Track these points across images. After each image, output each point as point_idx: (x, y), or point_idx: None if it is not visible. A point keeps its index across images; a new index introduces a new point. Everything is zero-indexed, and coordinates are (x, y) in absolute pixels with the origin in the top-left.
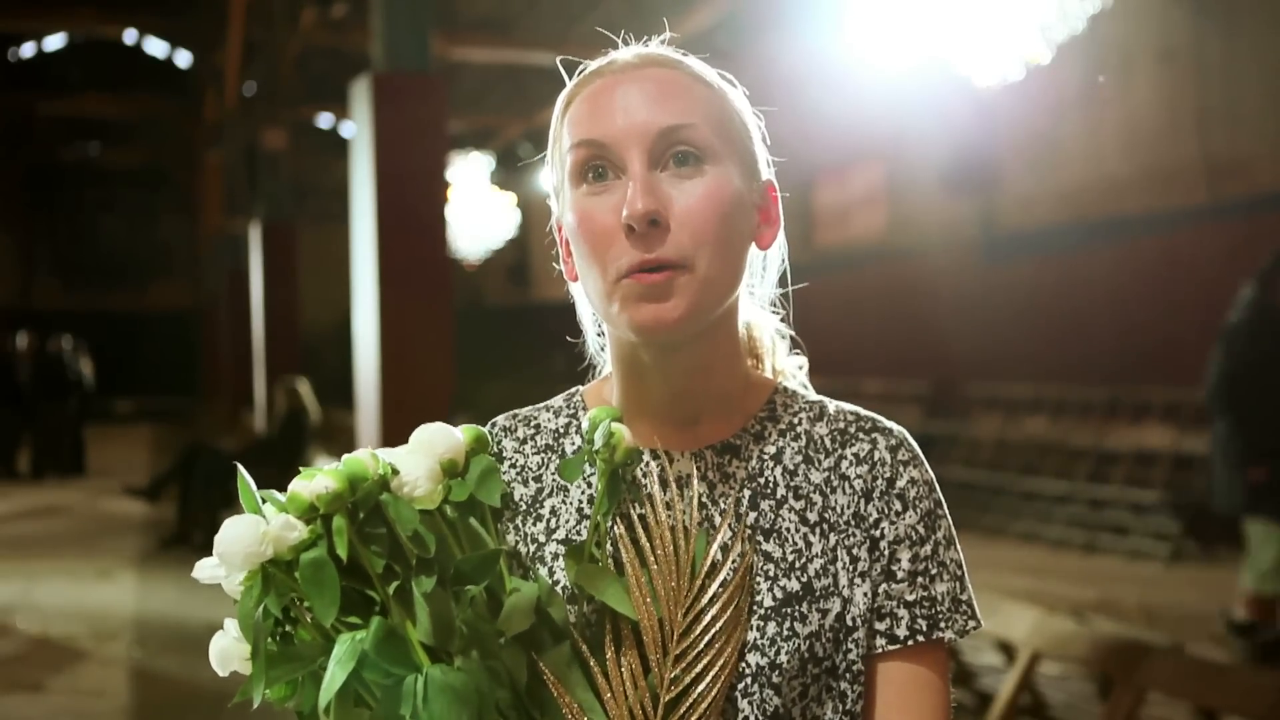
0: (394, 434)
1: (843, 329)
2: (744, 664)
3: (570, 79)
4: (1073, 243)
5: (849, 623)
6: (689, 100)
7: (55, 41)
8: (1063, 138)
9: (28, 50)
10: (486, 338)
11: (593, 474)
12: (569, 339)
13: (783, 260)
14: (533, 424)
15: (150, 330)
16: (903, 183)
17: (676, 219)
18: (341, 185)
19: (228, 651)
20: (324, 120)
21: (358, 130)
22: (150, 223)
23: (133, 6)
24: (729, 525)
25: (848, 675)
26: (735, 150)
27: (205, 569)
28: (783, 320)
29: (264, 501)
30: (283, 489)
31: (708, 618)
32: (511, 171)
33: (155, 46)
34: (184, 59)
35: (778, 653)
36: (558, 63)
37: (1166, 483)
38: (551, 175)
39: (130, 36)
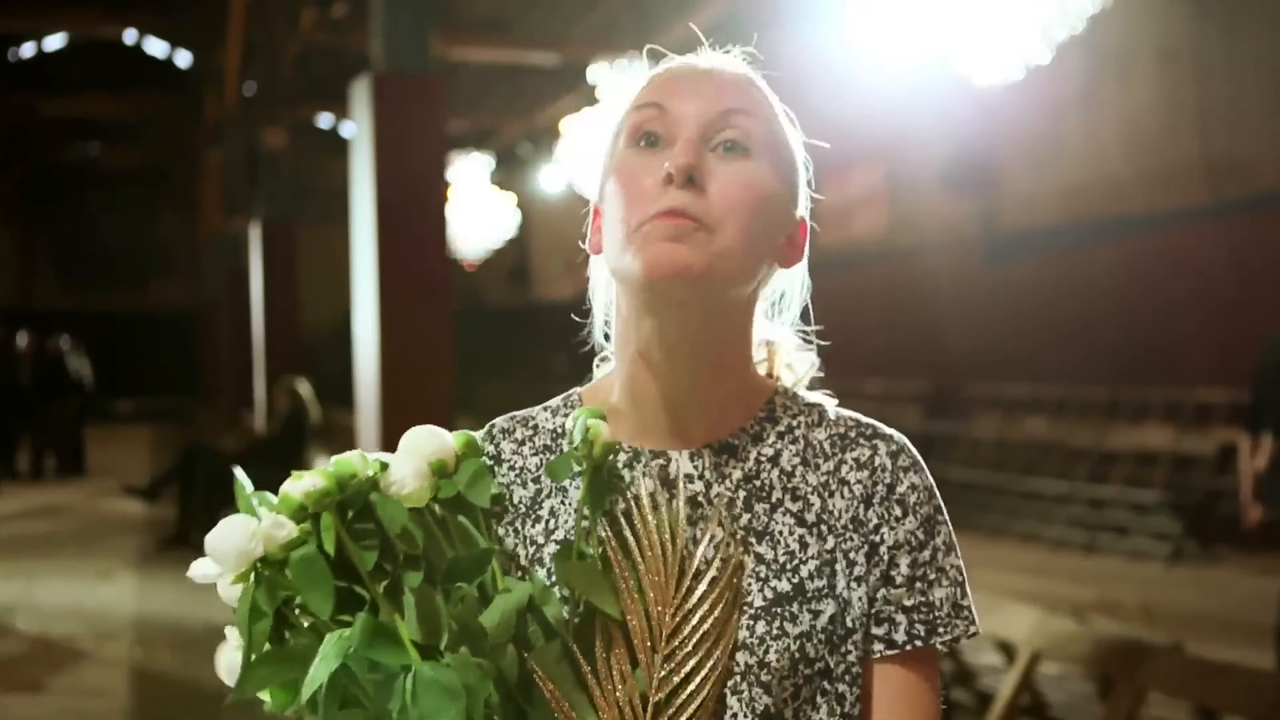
0: (394, 434)
1: (843, 329)
2: (733, 662)
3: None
4: (1073, 243)
5: (847, 624)
6: (754, 102)
7: (55, 41)
8: (1063, 138)
9: (28, 50)
10: (486, 338)
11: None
12: (574, 334)
13: (805, 294)
14: (530, 425)
15: (150, 330)
16: (903, 183)
17: (712, 190)
18: (341, 185)
19: (235, 664)
20: (324, 120)
21: (358, 130)
22: (150, 223)
23: (133, 6)
24: (720, 525)
25: (846, 678)
26: (781, 169)
27: (200, 569)
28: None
29: (259, 504)
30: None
31: (696, 618)
32: (511, 171)
33: (155, 46)
34: (184, 59)
35: (767, 651)
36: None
37: (1166, 483)
38: (608, 146)
39: (130, 36)
